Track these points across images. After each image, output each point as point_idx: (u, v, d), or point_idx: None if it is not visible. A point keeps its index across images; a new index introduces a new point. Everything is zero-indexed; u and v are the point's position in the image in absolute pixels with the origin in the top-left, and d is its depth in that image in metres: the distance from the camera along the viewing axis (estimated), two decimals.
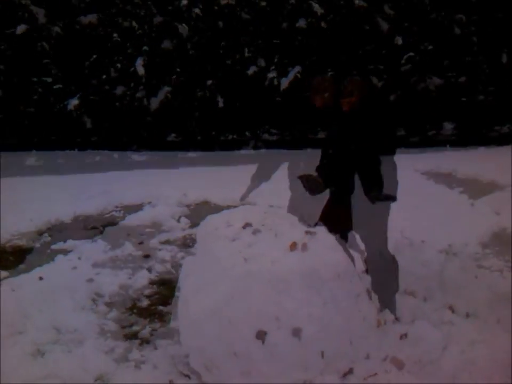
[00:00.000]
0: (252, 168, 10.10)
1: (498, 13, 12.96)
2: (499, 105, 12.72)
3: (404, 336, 3.51)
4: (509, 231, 6.25)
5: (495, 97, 12.84)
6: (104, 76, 11.86)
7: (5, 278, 5.15)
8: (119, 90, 11.90)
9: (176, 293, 4.21)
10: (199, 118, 12.36)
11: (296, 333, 3.06)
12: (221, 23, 12.18)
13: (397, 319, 3.71)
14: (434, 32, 12.63)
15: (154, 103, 11.96)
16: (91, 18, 11.94)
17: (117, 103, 11.99)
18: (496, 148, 11.96)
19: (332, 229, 3.59)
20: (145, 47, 11.89)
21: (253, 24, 12.38)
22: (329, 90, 4.02)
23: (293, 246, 3.33)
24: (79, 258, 5.60)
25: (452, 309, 3.95)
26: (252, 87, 12.23)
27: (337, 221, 3.79)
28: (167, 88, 11.97)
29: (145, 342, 3.97)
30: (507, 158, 9.91)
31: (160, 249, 6.15)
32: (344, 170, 3.76)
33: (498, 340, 3.52)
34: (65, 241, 6.32)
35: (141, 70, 11.66)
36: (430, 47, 12.44)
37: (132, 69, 11.70)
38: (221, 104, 12.17)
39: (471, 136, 12.62)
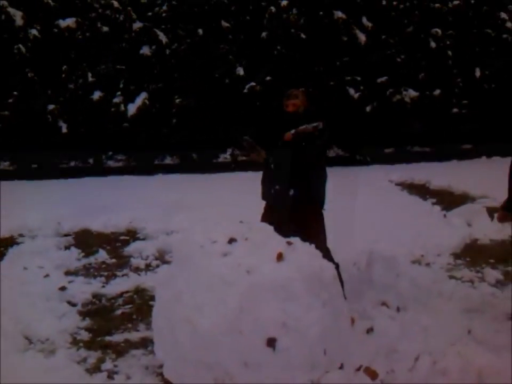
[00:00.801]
0: (120, 194, 9.57)
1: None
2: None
3: (370, 330, 3.68)
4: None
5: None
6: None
7: None
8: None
9: (151, 302, 4.18)
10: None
11: (304, 335, 3.13)
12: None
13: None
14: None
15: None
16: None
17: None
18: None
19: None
20: None
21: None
22: (300, 98, 4.31)
23: (280, 257, 3.38)
24: None
25: (423, 319, 3.98)
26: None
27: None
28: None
29: (118, 351, 3.92)
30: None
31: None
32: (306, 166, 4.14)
33: (469, 350, 3.57)
34: None
35: None
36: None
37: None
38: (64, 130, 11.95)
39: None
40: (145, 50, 11.99)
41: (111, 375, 3.56)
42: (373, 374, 3.28)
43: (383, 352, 3.54)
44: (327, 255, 4.15)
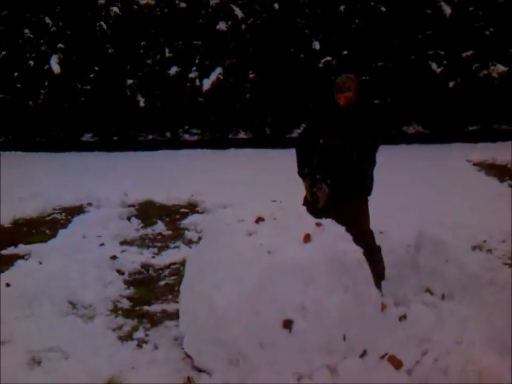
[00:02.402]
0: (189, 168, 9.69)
1: None
2: None
3: (403, 317, 3.53)
4: None
5: None
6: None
7: None
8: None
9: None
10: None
11: (322, 319, 3.07)
12: (276, 5, 12.02)
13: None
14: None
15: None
16: None
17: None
18: None
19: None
20: None
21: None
22: (353, 89, 3.98)
23: (307, 238, 3.29)
24: (40, 262, 4.93)
25: (465, 309, 3.73)
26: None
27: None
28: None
29: (153, 321, 4.01)
30: None
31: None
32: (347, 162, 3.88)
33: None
34: (16, 246, 5.65)
35: None
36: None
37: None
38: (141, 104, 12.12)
39: None
40: (221, 25, 12.01)
41: (140, 344, 3.65)
42: (397, 363, 3.13)
43: (414, 341, 3.36)
44: (367, 238, 3.98)
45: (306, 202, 4.13)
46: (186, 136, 13.09)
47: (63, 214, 7.04)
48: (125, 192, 7.67)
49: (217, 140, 12.61)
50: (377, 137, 4.05)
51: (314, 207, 3.93)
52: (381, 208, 5.88)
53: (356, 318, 3.15)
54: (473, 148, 10.97)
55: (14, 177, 9.04)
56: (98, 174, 9.24)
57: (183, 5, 12.32)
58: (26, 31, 12.00)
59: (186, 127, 12.92)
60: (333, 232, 3.38)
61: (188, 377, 3.14)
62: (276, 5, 12.09)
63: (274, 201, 3.84)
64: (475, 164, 9.50)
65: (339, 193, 3.90)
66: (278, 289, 3.06)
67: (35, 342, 3.58)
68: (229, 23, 12.20)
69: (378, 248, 4.11)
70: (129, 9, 12.17)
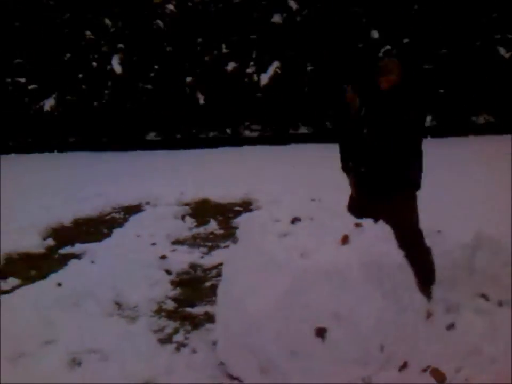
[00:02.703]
0: (246, 165, 9.57)
1: None
2: None
3: (451, 326, 3.34)
4: None
5: None
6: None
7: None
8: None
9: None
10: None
11: (358, 328, 2.92)
12: None
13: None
14: None
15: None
16: None
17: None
18: None
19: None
20: None
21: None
22: (395, 72, 3.78)
23: (345, 240, 3.15)
24: (93, 262, 5.14)
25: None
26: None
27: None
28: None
29: (195, 324, 3.98)
30: None
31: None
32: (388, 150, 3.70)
33: None
34: (73, 245, 5.83)
35: None
36: None
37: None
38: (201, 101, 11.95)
39: None
40: (276, 18, 11.88)
41: (179, 347, 3.62)
42: (440, 377, 2.93)
43: (461, 353, 3.14)
44: (415, 238, 3.78)
45: (351, 203, 3.98)
46: (247, 133, 13.11)
47: (122, 213, 7.21)
48: (182, 191, 7.76)
49: (278, 135, 12.53)
50: (421, 125, 3.85)
51: (359, 205, 3.79)
52: (438, 205, 5.66)
53: (395, 326, 2.97)
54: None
55: (78, 176, 9.40)
56: (159, 173, 9.43)
57: None
58: (88, 32, 12.37)
59: (247, 123, 12.93)
60: (373, 233, 3.20)
61: None
62: None
63: (313, 200, 3.71)
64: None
65: (384, 188, 3.73)
66: (311, 295, 2.93)
67: (77, 343, 3.64)
68: (284, 15, 12.06)
69: (428, 250, 3.89)
70: (184, 6, 12.29)
